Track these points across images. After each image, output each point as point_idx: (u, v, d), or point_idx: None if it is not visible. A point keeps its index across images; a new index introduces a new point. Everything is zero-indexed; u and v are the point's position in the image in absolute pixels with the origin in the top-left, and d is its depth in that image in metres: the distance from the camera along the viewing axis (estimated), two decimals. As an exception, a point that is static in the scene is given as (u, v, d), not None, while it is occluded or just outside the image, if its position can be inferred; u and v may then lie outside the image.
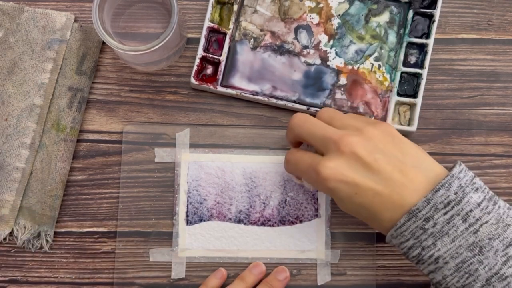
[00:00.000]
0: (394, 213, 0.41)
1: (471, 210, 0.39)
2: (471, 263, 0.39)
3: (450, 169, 0.42)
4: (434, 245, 0.40)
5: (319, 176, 0.42)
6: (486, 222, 0.39)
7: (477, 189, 0.40)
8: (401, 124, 0.53)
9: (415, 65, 0.53)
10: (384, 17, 0.54)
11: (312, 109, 0.52)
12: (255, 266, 0.51)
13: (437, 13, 0.53)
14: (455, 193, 0.39)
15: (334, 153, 0.42)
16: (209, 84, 0.53)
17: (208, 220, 0.52)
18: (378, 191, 0.41)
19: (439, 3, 0.53)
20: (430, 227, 0.40)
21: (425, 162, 0.42)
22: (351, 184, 0.41)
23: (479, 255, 0.39)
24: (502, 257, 0.39)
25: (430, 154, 0.53)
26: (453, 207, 0.39)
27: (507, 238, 0.39)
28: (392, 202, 0.41)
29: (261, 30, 0.54)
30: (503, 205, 0.41)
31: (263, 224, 0.52)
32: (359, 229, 0.52)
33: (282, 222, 0.52)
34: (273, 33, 0.54)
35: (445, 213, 0.39)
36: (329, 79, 0.53)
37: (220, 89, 0.53)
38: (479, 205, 0.40)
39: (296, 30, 0.54)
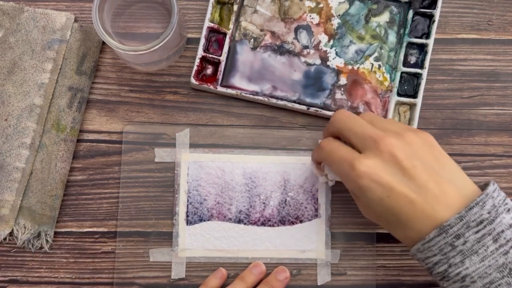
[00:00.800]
0: (423, 225, 0.40)
1: (502, 231, 0.39)
2: (499, 284, 0.38)
3: (483, 187, 0.41)
4: (462, 263, 0.39)
5: (353, 172, 0.41)
6: None
7: (509, 210, 0.39)
8: (401, 124, 0.53)
9: (415, 65, 0.53)
10: (384, 17, 0.54)
11: (312, 109, 0.52)
12: (255, 266, 0.51)
13: (437, 13, 0.53)
14: (489, 212, 0.39)
15: (373, 152, 0.41)
16: (209, 84, 0.53)
17: (208, 220, 0.52)
18: (411, 198, 0.40)
19: (439, 3, 0.53)
20: (460, 245, 0.39)
21: (461, 178, 0.41)
22: (385, 186, 0.40)
23: (508, 276, 0.38)
24: None
25: (430, 154, 0.53)
26: (485, 226, 0.39)
27: None
28: (424, 212, 0.40)
29: (261, 30, 0.54)
30: None
31: (263, 224, 0.52)
32: (359, 229, 0.52)
33: (282, 222, 0.52)
34: (273, 33, 0.54)
35: (476, 232, 0.39)
36: (329, 79, 0.53)
37: (220, 89, 0.53)
38: (510, 226, 0.39)
39: (296, 30, 0.54)
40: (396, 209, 0.40)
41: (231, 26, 0.53)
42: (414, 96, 0.53)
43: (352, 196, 0.45)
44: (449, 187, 0.40)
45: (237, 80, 0.53)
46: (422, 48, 0.53)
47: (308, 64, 0.53)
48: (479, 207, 0.39)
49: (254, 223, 0.52)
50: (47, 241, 0.51)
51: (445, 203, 0.39)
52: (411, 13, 0.54)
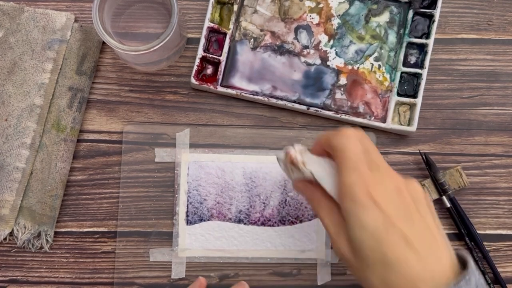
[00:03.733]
0: (411, 270, 0.36)
1: None
2: None
3: (460, 258, 0.39)
4: None
5: (360, 186, 0.37)
6: None
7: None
8: (401, 124, 0.53)
9: (415, 65, 0.53)
10: (384, 17, 0.54)
11: (312, 109, 0.52)
12: (239, 286, 0.47)
13: (437, 13, 0.53)
14: None
15: (381, 179, 0.39)
16: (209, 84, 0.53)
17: (208, 220, 0.52)
18: (408, 237, 0.36)
19: (439, 3, 0.53)
20: None
21: (448, 242, 0.39)
22: (385, 215, 0.37)
23: None
24: None
25: (430, 154, 0.53)
26: None
27: None
28: (417, 256, 0.36)
29: (261, 30, 0.54)
30: None
31: (263, 224, 0.52)
32: (359, 229, 0.52)
33: (282, 222, 0.52)
34: (273, 33, 0.54)
35: None
36: (329, 79, 0.53)
37: (220, 89, 0.53)
38: None
39: (296, 30, 0.54)
40: (387, 244, 0.37)
41: (231, 26, 0.53)
42: (414, 96, 0.53)
43: (323, 216, 0.41)
44: (442, 242, 0.38)
45: (237, 80, 0.53)
46: (422, 48, 0.53)
47: (308, 64, 0.53)
48: (465, 283, 0.36)
49: (254, 223, 0.52)
50: (47, 241, 0.51)
51: (437, 256, 0.37)
52: (411, 13, 0.54)
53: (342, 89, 0.53)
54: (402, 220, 0.37)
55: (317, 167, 0.40)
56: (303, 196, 0.43)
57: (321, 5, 0.54)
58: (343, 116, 0.52)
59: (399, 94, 0.53)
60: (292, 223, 0.52)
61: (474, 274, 0.37)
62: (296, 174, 0.42)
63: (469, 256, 0.38)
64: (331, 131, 0.42)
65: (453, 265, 0.37)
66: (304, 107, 0.52)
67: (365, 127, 0.53)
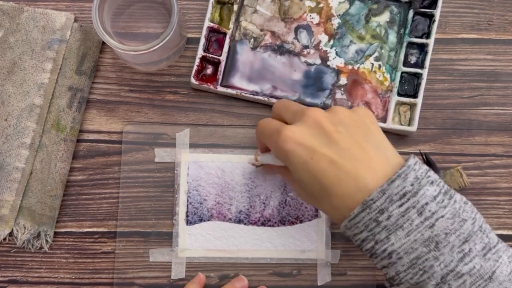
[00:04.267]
0: (346, 189, 0.39)
1: (427, 203, 0.38)
2: (426, 259, 0.37)
3: (405, 160, 0.40)
4: (387, 239, 0.38)
5: (279, 138, 0.41)
6: (442, 217, 0.38)
7: (432, 182, 0.39)
8: (401, 124, 0.53)
9: (415, 65, 0.53)
10: (385, 17, 0.54)
11: (312, 109, 0.52)
12: (238, 281, 0.51)
13: (437, 13, 0.53)
14: (411, 185, 0.38)
15: (299, 121, 0.42)
16: (209, 84, 0.53)
17: (208, 220, 0.52)
18: (333, 160, 0.39)
19: (439, 3, 0.53)
20: (384, 220, 0.38)
21: (388, 149, 0.41)
22: (308, 148, 0.40)
23: (435, 250, 0.37)
24: (458, 253, 0.37)
25: (430, 154, 0.53)
26: (408, 199, 0.38)
27: (464, 233, 0.38)
28: (347, 174, 0.39)
29: (261, 30, 0.54)
30: (459, 199, 0.39)
31: (263, 224, 0.52)
32: (359, 229, 0.52)
33: (282, 222, 0.52)
34: (273, 33, 0.54)
35: (400, 205, 0.38)
36: (329, 79, 0.53)
37: (220, 89, 0.53)
38: (435, 198, 0.38)
39: (296, 30, 0.54)
40: (319, 172, 0.40)
41: (231, 26, 0.53)
42: (414, 96, 0.53)
43: (288, 179, 0.47)
44: (374, 152, 0.40)
45: (237, 80, 0.53)
46: (422, 48, 0.53)
47: (308, 64, 0.53)
48: (402, 179, 0.38)
49: (254, 223, 0.52)
50: (47, 241, 0.51)
51: (368, 166, 0.39)
52: (411, 13, 0.54)
53: (342, 89, 0.53)
54: (325, 146, 0.40)
55: (265, 157, 0.48)
56: (276, 173, 0.51)
57: (321, 5, 0.54)
58: (343, 116, 0.52)
59: (399, 94, 0.53)
60: (292, 223, 0.52)
61: (414, 170, 0.39)
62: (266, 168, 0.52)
63: (412, 156, 0.40)
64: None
65: (394, 169, 0.39)
66: (304, 107, 0.52)
67: (365, 127, 0.53)
